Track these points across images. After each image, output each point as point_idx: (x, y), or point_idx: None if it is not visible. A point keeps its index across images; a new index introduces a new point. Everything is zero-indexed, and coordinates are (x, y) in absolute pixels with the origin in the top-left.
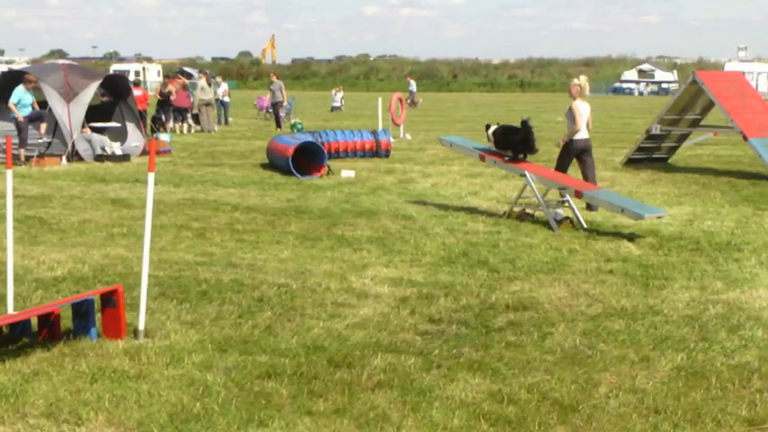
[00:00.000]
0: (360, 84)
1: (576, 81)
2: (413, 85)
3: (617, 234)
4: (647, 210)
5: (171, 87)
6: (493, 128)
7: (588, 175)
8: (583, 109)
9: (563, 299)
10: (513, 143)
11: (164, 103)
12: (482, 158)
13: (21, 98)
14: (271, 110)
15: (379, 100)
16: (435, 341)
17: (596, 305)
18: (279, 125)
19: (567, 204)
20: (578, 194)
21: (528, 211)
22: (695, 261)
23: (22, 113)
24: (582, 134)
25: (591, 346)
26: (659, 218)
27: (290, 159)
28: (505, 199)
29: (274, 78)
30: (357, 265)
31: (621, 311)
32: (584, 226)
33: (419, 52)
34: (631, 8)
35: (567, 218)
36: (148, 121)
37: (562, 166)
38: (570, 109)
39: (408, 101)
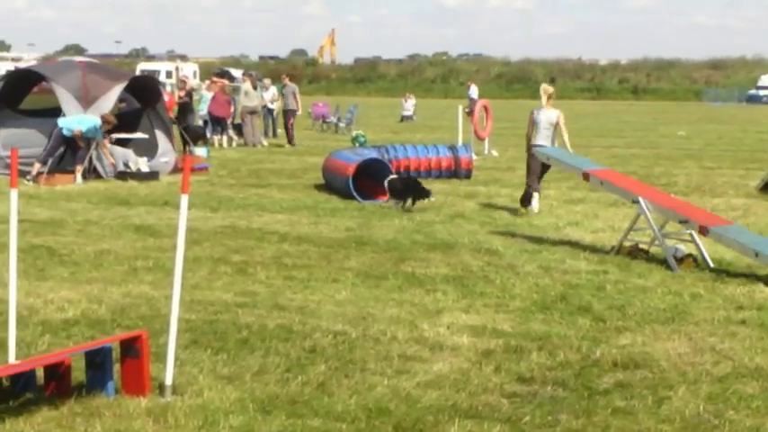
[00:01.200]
0: (436, 89)
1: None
2: (473, 90)
3: (751, 276)
4: None
5: (205, 90)
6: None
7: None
8: (537, 117)
9: (684, 355)
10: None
11: (183, 109)
12: (585, 177)
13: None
14: (330, 119)
15: (459, 108)
16: (526, 405)
17: (725, 363)
18: (291, 141)
19: (690, 238)
20: (703, 231)
21: (642, 246)
22: None
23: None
24: (535, 141)
25: (718, 414)
26: None
27: (350, 179)
28: (614, 231)
29: (287, 81)
30: (430, 310)
31: (756, 372)
32: (711, 265)
33: (509, 51)
34: None
35: (689, 255)
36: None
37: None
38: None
39: (467, 110)
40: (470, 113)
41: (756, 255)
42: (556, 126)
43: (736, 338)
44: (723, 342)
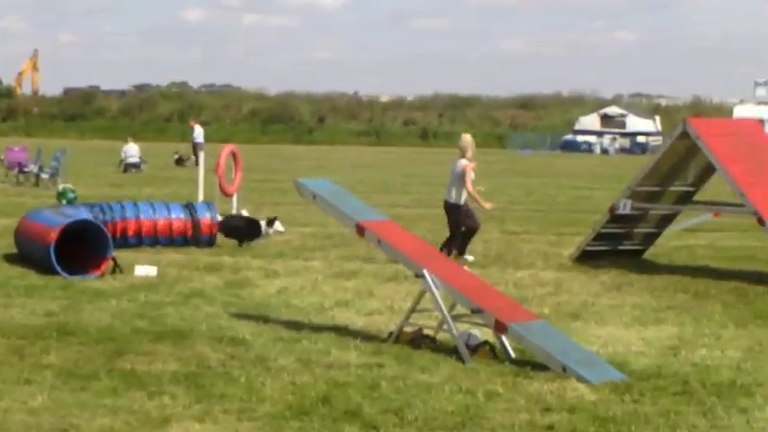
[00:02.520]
0: (172, 129)
1: None
2: (198, 132)
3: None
4: (601, 370)
5: None
6: None
7: None
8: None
9: None
10: None
11: None
12: (360, 232)
13: None
14: (29, 168)
15: (201, 156)
16: None
17: None
18: None
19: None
20: (500, 328)
21: (427, 332)
22: (680, 412)
23: None
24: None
25: None
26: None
27: (51, 248)
28: (393, 312)
29: None
30: (154, 419)
31: None
32: (512, 356)
33: (267, 82)
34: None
35: (485, 343)
36: None
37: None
38: None
39: (177, 156)
40: (180, 161)
41: (564, 370)
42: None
43: None
44: None
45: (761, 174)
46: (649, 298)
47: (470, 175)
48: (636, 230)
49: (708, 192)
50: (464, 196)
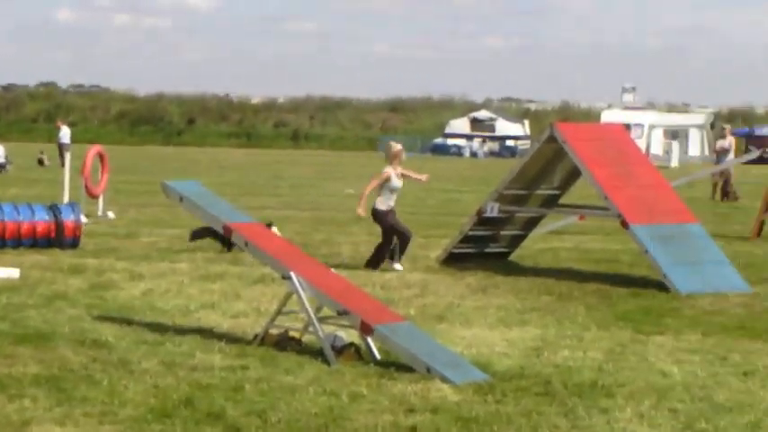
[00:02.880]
0: (39, 130)
1: None
2: (65, 133)
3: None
4: (465, 371)
5: None
6: None
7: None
8: None
9: None
10: None
11: None
12: (228, 233)
13: None
14: None
15: (67, 157)
16: None
17: None
18: None
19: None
20: (366, 329)
21: (293, 334)
22: (542, 412)
23: None
24: None
25: None
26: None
27: None
28: (259, 314)
29: None
30: (14, 422)
31: None
32: (378, 357)
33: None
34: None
35: (351, 345)
36: None
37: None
38: None
39: (41, 157)
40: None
41: (428, 371)
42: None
43: None
44: None
45: (625, 178)
46: (514, 300)
47: (373, 183)
48: (502, 233)
49: (573, 195)
50: (390, 203)
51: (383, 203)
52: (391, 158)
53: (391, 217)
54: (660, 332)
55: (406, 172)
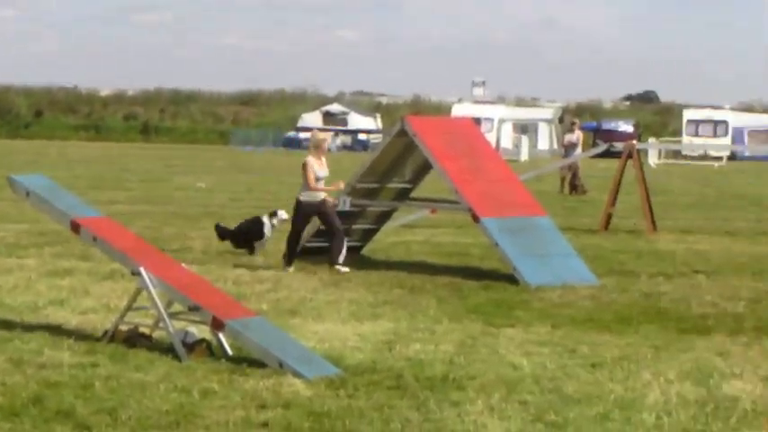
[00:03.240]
0: None
1: None
2: None
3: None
4: (317, 366)
5: None
6: None
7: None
8: None
9: None
10: None
11: None
12: (75, 229)
13: None
14: None
15: None
16: None
17: None
18: None
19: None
20: (218, 325)
21: (143, 330)
22: (394, 406)
23: None
24: None
25: None
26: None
27: None
28: (109, 311)
29: None
30: None
31: None
32: (230, 353)
33: None
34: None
35: (202, 341)
36: None
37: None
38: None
39: None
40: None
41: (281, 366)
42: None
43: None
44: None
45: (475, 171)
46: (366, 293)
47: (309, 172)
48: (354, 227)
49: (425, 189)
50: (318, 195)
51: (314, 195)
52: (314, 147)
53: (313, 209)
54: (510, 325)
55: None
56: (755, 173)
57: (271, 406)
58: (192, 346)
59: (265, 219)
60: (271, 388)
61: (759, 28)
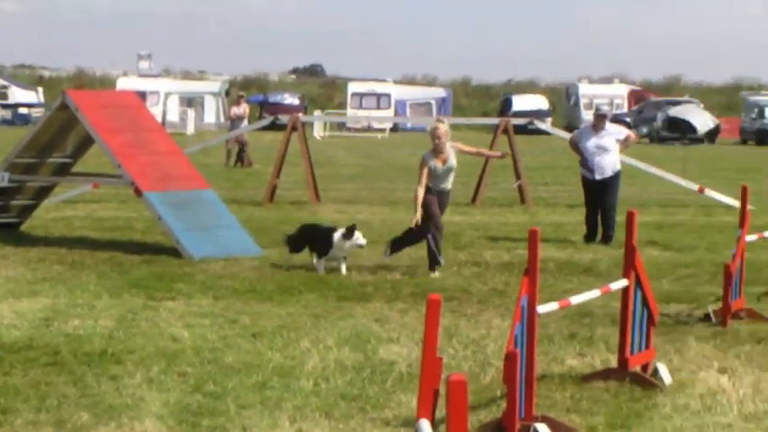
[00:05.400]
0: None
1: None
2: None
3: None
4: None
5: None
6: None
7: None
8: None
9: None
10: None
11: None
12: None
13: None
14: None
15: None
16: None
17: None
18: None
19: None
20: None
21: None
22: (51, 382)
23: None
24: None
25: None
26: None
27: None
28: None
29: None
30: None
31: None
32: None
33: None
34: None
35: None
36: None
37: None
38: None
39: None
40: None
41: None
42: None
43: None
44: None
45: (139, 145)
46: (24, 270)
47: None
48: (13, 203)
49: (88, 164)
50: None
51: None
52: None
53: None
54: (172, 297)
55: None
56: (416, 144)
57: None
58: None
59: (337, 235)
60: None
61: (427, 6)
